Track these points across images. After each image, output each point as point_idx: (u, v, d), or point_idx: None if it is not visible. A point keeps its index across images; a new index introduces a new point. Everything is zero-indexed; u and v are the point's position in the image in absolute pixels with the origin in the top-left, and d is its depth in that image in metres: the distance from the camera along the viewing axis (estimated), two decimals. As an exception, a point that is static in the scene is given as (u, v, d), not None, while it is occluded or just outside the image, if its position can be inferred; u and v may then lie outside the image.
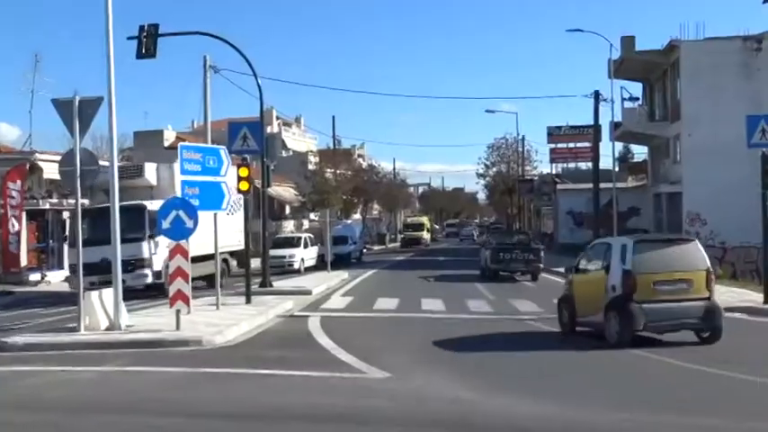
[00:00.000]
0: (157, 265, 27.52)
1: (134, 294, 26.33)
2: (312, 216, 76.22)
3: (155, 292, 27.62)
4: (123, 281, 26.00)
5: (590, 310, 16.38)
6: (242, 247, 28.09)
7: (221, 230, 22.99)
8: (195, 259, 29.31)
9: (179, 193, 20.11)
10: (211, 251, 22.81)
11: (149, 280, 27.60)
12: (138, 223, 26.69)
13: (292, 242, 45.60)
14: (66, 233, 34.56)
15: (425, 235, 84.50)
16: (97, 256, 23.40)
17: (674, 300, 15.25)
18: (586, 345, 15.88)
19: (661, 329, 15.64)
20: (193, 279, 29.91)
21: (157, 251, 27.28)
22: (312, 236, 49.63)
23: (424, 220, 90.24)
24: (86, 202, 26.04)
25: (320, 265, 43.68)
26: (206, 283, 29.65)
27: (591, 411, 10.19)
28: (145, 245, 27.38)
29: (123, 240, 25.90)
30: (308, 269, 43.13)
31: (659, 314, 15.15)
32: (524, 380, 12.53)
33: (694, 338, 15.86)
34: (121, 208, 18.55)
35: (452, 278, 36.63)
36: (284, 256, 42.50)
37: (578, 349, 15.44)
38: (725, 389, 11.81)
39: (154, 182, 30.58)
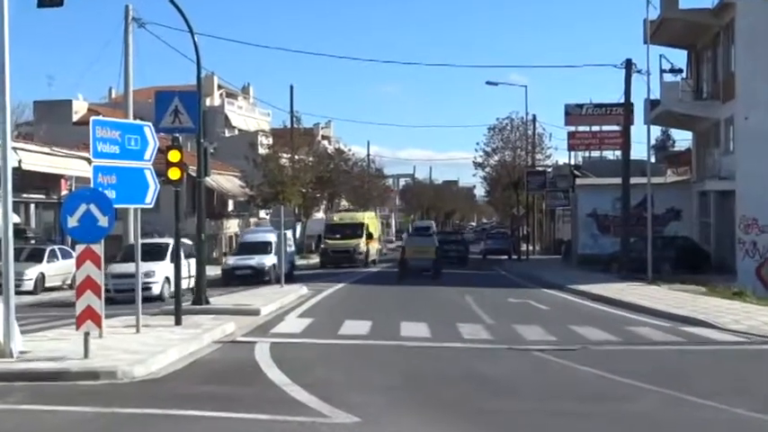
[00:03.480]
0: None
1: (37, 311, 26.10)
2: (263, 214, 76.16)
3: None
4: None
5: None
6: None
7: None
8: None
9: None
10: None
11: None
12: None
13: (153, 253, 37.29)
14: None
15: (364, 245, 64.77)
16: None
17: (422, 258, 47.91)
18: (599, 388, 15.95)
19: (417, 270, 46.81)
20: None
21: None
22: (190, 242, 40.86)
23: (365, 217, 69.41)
24: None
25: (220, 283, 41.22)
26: None
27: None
28: None
29: None
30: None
31: (415, 263, 47.90)
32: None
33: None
34: None
35: (440, 295, 36.66)
36: (134, 275, 34.85)
37: (594, 398, 15.49)
38: None
39: None
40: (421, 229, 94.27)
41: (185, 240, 39.12)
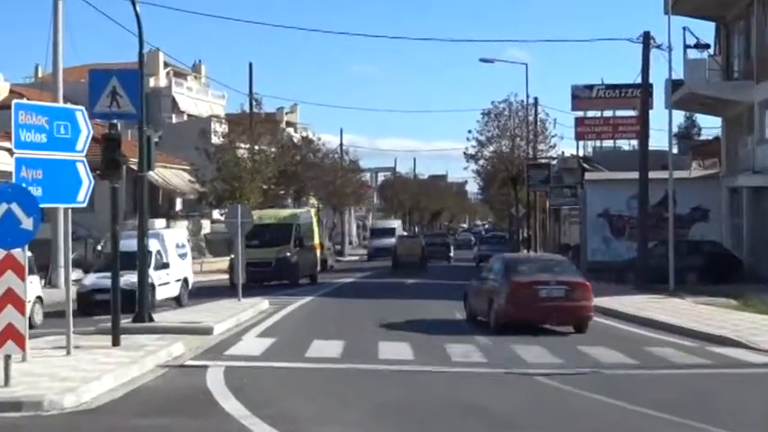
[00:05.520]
0: None
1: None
2: (216, 214, 75.99)
3: None
4: None
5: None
6: None
7: None
8: None
9: None
10: None
11: None
12: None
13: None
14: None
15: (294, 255, 55.34)
16: None
17: (411, 254, 74.92)
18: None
19: (407, 264, 72.32)
20: None
21: None
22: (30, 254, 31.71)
23: (298, 217, 59.94)
24: None
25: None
26: None
27: None
28: None
29: None
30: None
31: (405, 258, 74.22)
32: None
33: None
34: None
35: (426, 309, 36.65)
36: None
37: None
38: None
39: None
40: (382, 232, 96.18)
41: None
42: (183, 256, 43.27)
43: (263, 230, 52.88)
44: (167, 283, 40.07)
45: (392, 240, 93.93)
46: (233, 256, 51.24)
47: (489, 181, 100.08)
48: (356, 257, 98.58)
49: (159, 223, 44.88)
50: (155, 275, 37.68)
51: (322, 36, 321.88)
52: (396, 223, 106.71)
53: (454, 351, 24.57)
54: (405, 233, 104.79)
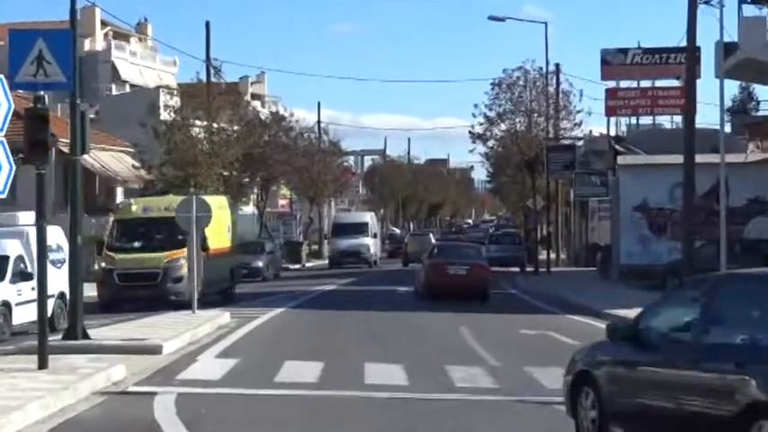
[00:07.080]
0: None
1: None
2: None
3: None
4: None
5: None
6: None
7: None
8: None
9: None
10: None
11: None
12: None
13: None
14: None
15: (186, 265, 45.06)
16: None
17: (420, 252, 70.05)
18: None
19: (417, 261, 66.19)
20: None
21: None
22: None
23: (220, 204, 49.65)
24: None
25: None
26: None
27: None
28: None
29: None
30: None
31: (414, 255, 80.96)
32: None
33: None
34: None
35: (423, 324, 36.70)
36: None
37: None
38: None
39: None
40: (348, 228, 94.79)
41: None
42: (58, 263, 37.37)
43: (148, 227, 47.33)
44: (33, 301, 31.18)
45: (364, 240, 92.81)
46: (104, 264, 47.99)
47: (500, 166, 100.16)
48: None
49: (25, 217, 38.96)
50: (11, 290, 34.52)
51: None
52: (367, 216, 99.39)
53: (457, 374, 24.58)
54: (396, 230, 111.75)
